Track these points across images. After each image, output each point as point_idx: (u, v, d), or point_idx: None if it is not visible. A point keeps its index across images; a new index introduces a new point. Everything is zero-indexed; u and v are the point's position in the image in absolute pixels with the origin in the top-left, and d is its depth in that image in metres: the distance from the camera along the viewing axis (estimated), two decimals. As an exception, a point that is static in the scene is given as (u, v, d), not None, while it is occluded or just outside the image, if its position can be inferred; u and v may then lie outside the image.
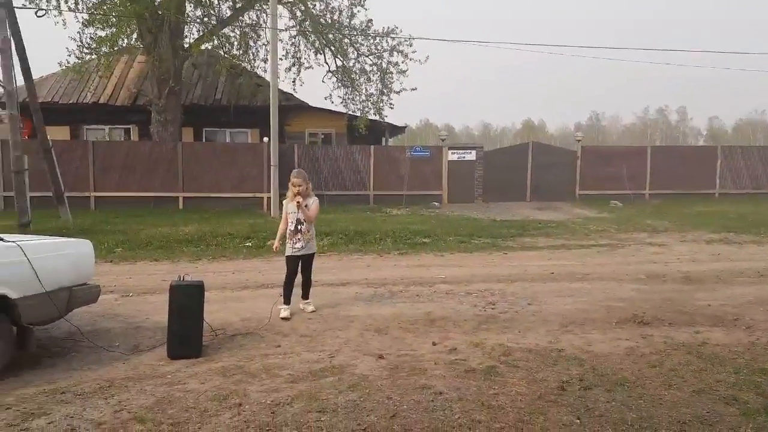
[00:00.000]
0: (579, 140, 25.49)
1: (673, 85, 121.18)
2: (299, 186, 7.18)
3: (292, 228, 7.24)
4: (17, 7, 13.96)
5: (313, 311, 7.37)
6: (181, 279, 5.83)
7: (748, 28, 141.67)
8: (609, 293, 8.37)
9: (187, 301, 5.70)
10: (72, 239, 6.41)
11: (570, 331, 6.51)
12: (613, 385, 4.87)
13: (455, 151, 23.47)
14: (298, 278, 7.37)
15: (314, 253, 7.51)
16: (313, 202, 7.34)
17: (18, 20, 13.78)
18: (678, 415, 4.31)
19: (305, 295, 7.51)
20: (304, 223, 7.22)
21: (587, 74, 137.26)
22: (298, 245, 7.24)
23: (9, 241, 5.29)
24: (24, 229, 12.74)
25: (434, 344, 6.03)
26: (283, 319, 6.97)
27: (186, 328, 5.66)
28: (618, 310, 7.34)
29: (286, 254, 7.34)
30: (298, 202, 7.14)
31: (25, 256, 5.21)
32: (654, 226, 16.21)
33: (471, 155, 23.41)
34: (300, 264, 7.33)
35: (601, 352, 5.75)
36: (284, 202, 7.51)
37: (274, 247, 7.59)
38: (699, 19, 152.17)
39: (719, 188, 24.62)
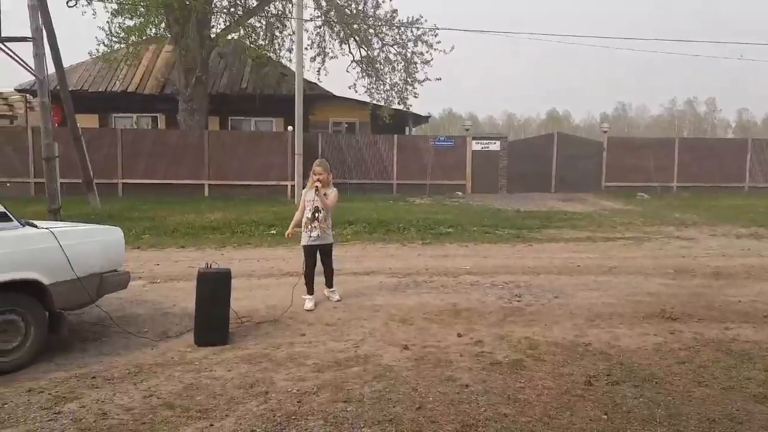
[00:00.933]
0: (605, 131, 25.26)
1: (702, 77, 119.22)
2: (320, 174, 7.18)
3: (309, 216, 7.21)
4: (49, -3, 14.09)
5: (338, 300, 7.39)
6: (209, 266, 5.89)
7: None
8: (636, 287, 8.26)
9: (214, 288, 5.75)
10: (103, 226, 6.50)
11: (597, 325, 6.44)
12: (641, 381, 4.81)
13: (479, 141, 23.36)
14: (320, 267, 7.38)
15: (331, 244, 7.49)
16: (331, 192, 7.32)
17: (49, 10, 13.94)
18: (707, 412, 4.25)
19: (329, 284, 7.53)
20: (322, 212, 7.21)
21: (614, 64, 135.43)
22: (314, 234, 7.21)
23: (42, 228, 5.38)
24: (54, 215, 12.92)
25: (459, 336, 6.00)
26: (307, 310, 6.99)
27: (213, 315, 5.72)
28: (645, 305, 7.25)
29: (302, 243, 7.32)
30: (317, 188, 7.12)
31: (58, 242, 5.29)
32: (682, 219, 15.99)
33: (495, 145, 23.29)
34: (319, 255, 7.34)
35: (629, 347, 5.68)
36: (303, 190, 7.54)
37: (287, 234, 7.57)
38: (727, 8, 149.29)
39: (749, 182, 24.23)
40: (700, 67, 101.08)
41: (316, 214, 7.20)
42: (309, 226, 7.23)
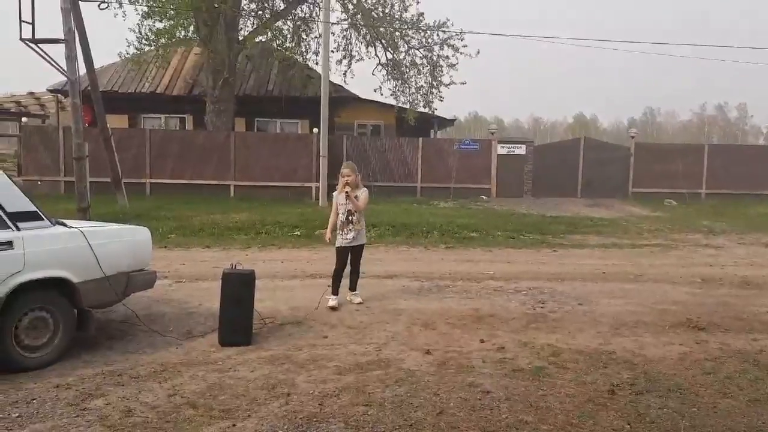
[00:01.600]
0: (633, 136, 24.91)
1: (733, 81, 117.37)
2: (348, 176, 7.25)
3: (343, 219, 7.32)
4: (81, 0, 14.35)
5: (360, 303, 7.41)
6: (234, 267, 5.95)
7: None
8: (662, 296, 8.15)
9: (239, 289, 5.81)
10: (131, 226, 6.60)
11: (621, 333, 6.37)
12: (665, 391, 4.76)
13: (505, 144, 23.21)
14: (347, 269, 7.43)
15: (364, 245, 7.58)
16: (362, 193, 7.40)
17: (81, 12, 14.18)
18: (733, 424, 4.20)
19: (353, 287, 7.56)
20: (355, 214, 7.29)
21: (643, 68, 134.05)
22: (350, 236, 7.31)
23: (72, 227, 5.48)
24: (83, 213, 13.13)
25: (482, 341, 5.99)
26: (330, 308, 7.05)
27: (237, 316, 5.78)
28: (671, 314, 7.15)
29: (337, 245, 7.40)
30: (347, 192, 7.20)
31: (87, 242, 5.39)
32: (710, 227, 15.73)
33: (521, 149, 23.13)
34: (350, 256, 7.40)
35: (654, 356, 5.62)
36: (334, 194, 7.59)
37: (327, 238, 7.66)
38: (760, 12, 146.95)
39: (780, 189, 23.70)
40: (733, 71, 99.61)
41: (350, 217, 7.29)
42: (345, 229, 7.32)
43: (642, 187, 23.37)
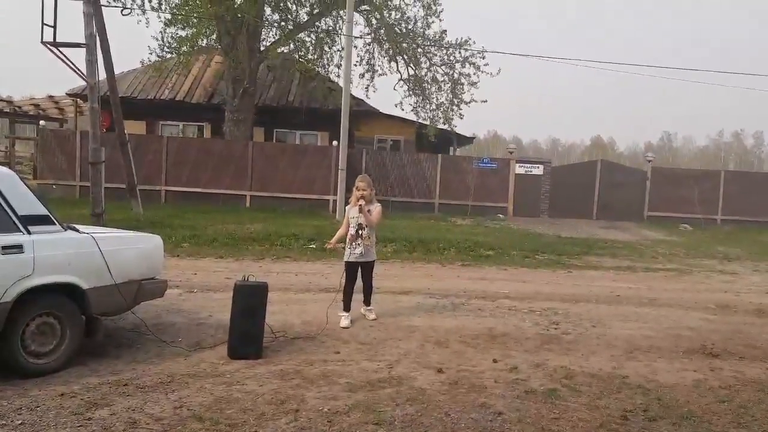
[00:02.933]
0: (650, 160, 24.83)
1: (750, 109, 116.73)
2: (363, 190, 7.13)
3: (353, 233, 7.16)
4: (104, 5, 14.47)
5: (374, 319, 7.30)
6: (246, 279, 5.87)
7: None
8: (676, 321, 8.02)
9: (250, 301, 5.73)
10: (144, 234, 6.55)
11: (635, 357, 6.27)
12: (679, 419, 4.66)
13: (523, 164, 23.16)
14: (359, 284, 7.30)
15: (374, 261, 7.41)
16: (375, 208, 7.27)
17: (103, 17, 14.28)
18: (748, 456, 4.07)
19: (367, 302, 7.45)
20: (366, 229, 7.15)
21: (661, 93, 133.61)
22: (358, 251, 7.16)
23: (84, 233, 5.43)
24: (97, 219, 13.14)
25: (495, 361, 5.89)
26: (343, 328, 6.91)
27: (248, 329, 5.69)
28: (685, 339, 7.03)
29: (345, 260, 7.27)
30: (360, 206, 7.08)
31: (98, 248, 5.33)
32: (725, 253, 15.54)
33: (538, 170, 23.06)
34: (360, 271, 7.27)
35: (667, 382, 5.52)
36: (347, 207, 7.49)
37: (329, 244, 7.58)
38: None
39: (795, 218, 23.48)
40: (749, 99, 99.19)
41: (360, 231, 7.14)
42: (353, 243, 7.16)
43: (658, 211, 23.30)
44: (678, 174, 25.55)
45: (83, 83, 15.37)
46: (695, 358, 6.35)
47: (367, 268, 7.32)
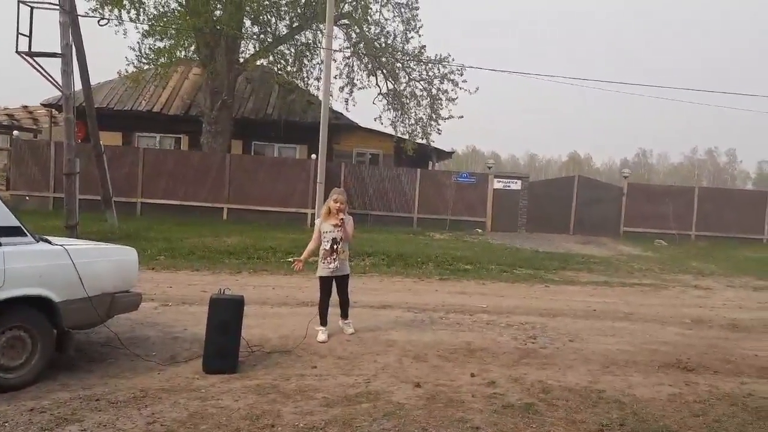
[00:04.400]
0: (626, 176, 25.19)
1: (723, 127, 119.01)
2: (342, 203, 7.08)
3: (327, 247, 7.07)
4: (81, 15, 14.34)
5: (352, 333, 7.25)
6: (222, 292, 5.80)
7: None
8: (652, 335, 8.10)
9: (226, 315, 5.66)
10: (118, 246, 6.45)
11: (611, 372, 6.31)
12: (654, 433, 4.70)
13: (501, 179, 23.30)
14: (335, 298, 7.23)
15: (348, 275, 7.34)
16: (349, 221, 7.19)
17: (80, 27, 14.15)
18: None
19: (344, 315, 7.38)
20: (340, 243, 7.09)
21: (637, 111, 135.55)
22: (332, 265, 7.07)
23: (56, 245, 5.33)
24: (71, 231, 12.95)
25: (473, 376, 5.89)
26: (320, 342, 6.85)
27: (223, 343, 5.62)
28: (661, 354, 7.10)
29: (319, 274, 7.18)
30: (342, 220, 7.03)
31: (71, 260, 5.24)
32: (700, 268, 15.75)
33: (516, 185, 23.21)
34: (335, 285, 7.20)
35: (643, 396, 5.56)
36: (317, 221, 7.40)
37: (298, 267, 7.34)
38: (752, 61, 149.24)
39: (768, 234, 23.99)
40: (723, 117, 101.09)
41: (335, 246, 7.06)
42: (328, 258, 7.07)
43: (633, 226, 23.61)
44: (653, 190, 25.90)
45: (58, 93, 15.15)
46: (671, 372, 6.40)
47: (342, 282, 7.25)
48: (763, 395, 5.79)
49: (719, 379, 6.23)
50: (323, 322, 7.08)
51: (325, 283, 7.16)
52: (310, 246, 7.28)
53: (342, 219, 7.03)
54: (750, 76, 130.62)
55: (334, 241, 7.05)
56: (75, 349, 5.49)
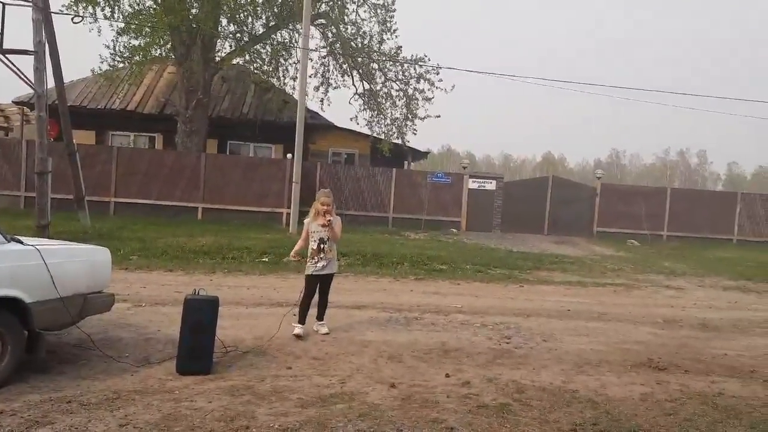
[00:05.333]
0: (599, 177, 25.48)
1: (695, 128, 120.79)
2: (328, 205, 7.19)
3: (315, 246, 7.17)
4: (54, 13, 14.15)
5: (327, 333, 7.26)
6: (196, 293, 5.77)
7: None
8: (625, 335, 8.21)
9: (200, 316, 5.63)
10: (90, 246, 6.39)
11: (584, 371, 6.38)
12: (626, 432, 4.75)
13: (476, 179, 23.43)
14: (315, 298, 7.27)
15: (333, 274, 7.44)
16: (336, 221, 7.31)
17: (53, 24, 13.97)
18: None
19: (320, 317, 7.41)
20: (328, 242, 7.17)
21: (610, 112, 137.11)
22: (320, 264, 7.17)
23: (27, 245, 5.26)
24: (42, 230, 12.78)
25: (447, 376, 5.92)
26: (295, 336, 6.88)
27: (197, 344, 5.58)
28: (633, 354, 7.20)
29: (307, 273, 7.25)
30: (329, 220, 7.11)
31: (43, 260, 5.17)
32: (671, 268, 15.98)
33: (491, 185, 23.36)
34: (319, 285, 7.26)
35: (616, 395, 5.63)
36: (306, 221, 7.44)
37: (291, 255, 7.63)
38: (725, 63, 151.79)
39: (737, 234, 24.48)
40: (695, 119, 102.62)
41: (322, 245, 7.15)
42: (316, 257, 7.17)
43: (606, 226, 23.90)
44: (626, 191, 26.21)
45: (31, 91, 14.93)
46: (643, 371, 6.49)
47: (327, 281, 7.36)
48: (733, 394, 5.89)
49: (690, 378, 6.32)
50: (302, 320, 7.12)
51: (311, 281, 7.22)
52: (299, 244, 7.42)
53: (329, 219, 7.14)
54: (723, 77, 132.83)
55: (322, 240, 7.16)
56: (46, 350, 5.41)
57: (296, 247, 7.45)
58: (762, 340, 8.44)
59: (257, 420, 4.56)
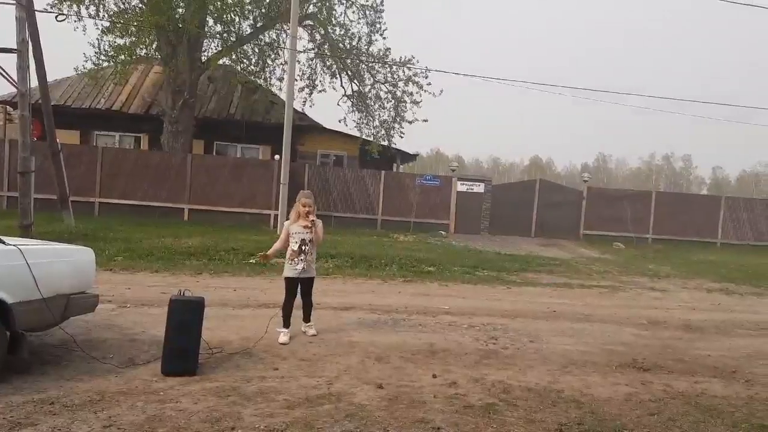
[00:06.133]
0: (586, 180, 25.63)
1: (680, 133, 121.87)
2: (310, 207, 7.10)
3: (296, 248, 7.05)
4: (38, 11, 14.01)
5: (314, 335, 7.21)
6: (182, 294, 5.71)
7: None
8: (610, 336, 8.26)
9: (186, 317, 5.56)
10: (74, 246, 6.30)
11: (570, 372, 6.40)
12: (611, 431, 4.79)
13: (464, 182, 23.49)
14: (299, 300, 7.19)
15: (314, 278, 7.33)
16: (318, 224, 7.22)
17: (37, 22, 13.84)
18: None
19: (307, 318, 7.34)
20: (309, 244, 7.09)
21: (597, 116, 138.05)
22: (300, 267, 7.04)
23: (10, 245, 5.18)
24: (25, 231, 12.64)
25: (435, 377, 5.90)
26: (281, 344, 6.79)
27: (183, 345, 5.52)
28: (618, 354, 7.24)
29: (285, 275, 7.14)
30: (312, 221, 7.04)
31: (25, 260, 5.09)
32: (656, 270, 16.11)
33: (479, 187, 23.42)
34: (300, 288, 7.16)
35: (601, 396, 5.65)
36: (286, 223, 7.37)
37: (260, 256, 7.44)
38: (712, 67, 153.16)
39: (721, 238, 24.73)
40: (679, 123, 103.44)
41: (303, 247, 7.05)
42: (295, 259, 7.05)
43: (593, 229, 24.07)
44: (612, 194, 26.41)
45: (13, 90, 14.79)
46: (627, 372, 6.53)
47: (308, 284, 7.23)
48: (715, 394, 5.94)
49: (673, 379, 6.36)
50: (286, 324, 7.02)
51: (290, 284, 7.11)
52: (277, 245, 7.30)
53: (313, 221, 7.06)
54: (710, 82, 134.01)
55: (303, 242, 7.05)
56: (29, 351, 5.33)
57: (273, 247, 7.30)
58: (744, 341, 8.52)
59: (243, 421, 4.52)
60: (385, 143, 23.72)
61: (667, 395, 5.79)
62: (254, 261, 12.53)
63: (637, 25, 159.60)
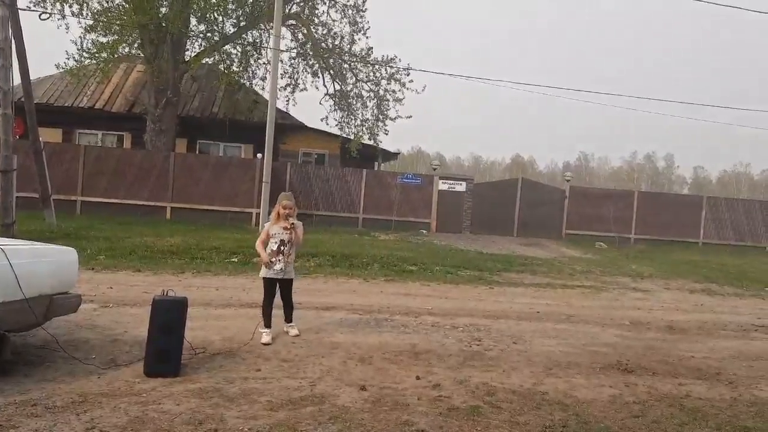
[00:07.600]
0: (568, 180, 25.74)
1: (662, 132, 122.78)
2: (291, 209, 7.10)
3: (274, 248, 7.04)
4: (21, 9, 13.89)
5: (297, 335, 7.21)
6: (165, 293, 5.71)
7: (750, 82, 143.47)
8: (593, 337, 8.28)
9: (169, 317, 5.56)
10: (57, 246, 6.27)
11: (554, 374, 6.41)
12: (595, 434, 4.80)
13: (446, 181, 23.54)
14: (279, 301, 7.18)
15: (292, 279, 7.30)
16: (299, 225, 7.21)
17: (20, 20, 13.72)
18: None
19: (288, 319, 7.35)
20: (287, 245, 7.08)
21: (579, 115, 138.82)
22: (277, 267, 7.03)
23: (-8, 245, 5.16)
24: (7, 230, 12.53)
25: (418, 378, 5.91)
26: (264, 344, 6.80)
27: (166, 346, 5.52)
28: (602, 356, 7.26)
29: (262, 275, 7.13)
30: (292, 223, 7.04)
31: (7, 260, 5.07)
32: (638, 271, 16.20)
33: (461, 186, 23.49)
34: (279, 289, 7.16)
35: (585, 398, 5.67)
36: (267, 224, 7.36)
37: (266, 261, 7.13)
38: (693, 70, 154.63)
39: (703, 238, 24.97)
40: (661, 122, 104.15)
41: (282, 248, 7.04)
42: (273, 259, 7.04)
43: (575, 229, 24.21)
44: (594, 193, 26.59)
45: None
46: (611, 374, 6.55)
47: (286, 285, 7.22)
48: (699, 396, 5.97)
49: (657, 381, 6.39)
50: (267, 324, 7.03)
51: (268, 284, 7.11)
52: (259, 249, 7.21)
53: (292, 223, 7.05)
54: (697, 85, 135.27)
55: (282, 243, 7.04)
56: (11, 352, 5.31)
57: (262, 253, 7.13)
58: (727, 342, 8.58)
59: (226, 423, 4.52)
60: (369, 142, 23.74)
61: (652, 397, 5.81)
62: (237, 261, 12.51)
63: (634, 25, 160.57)
